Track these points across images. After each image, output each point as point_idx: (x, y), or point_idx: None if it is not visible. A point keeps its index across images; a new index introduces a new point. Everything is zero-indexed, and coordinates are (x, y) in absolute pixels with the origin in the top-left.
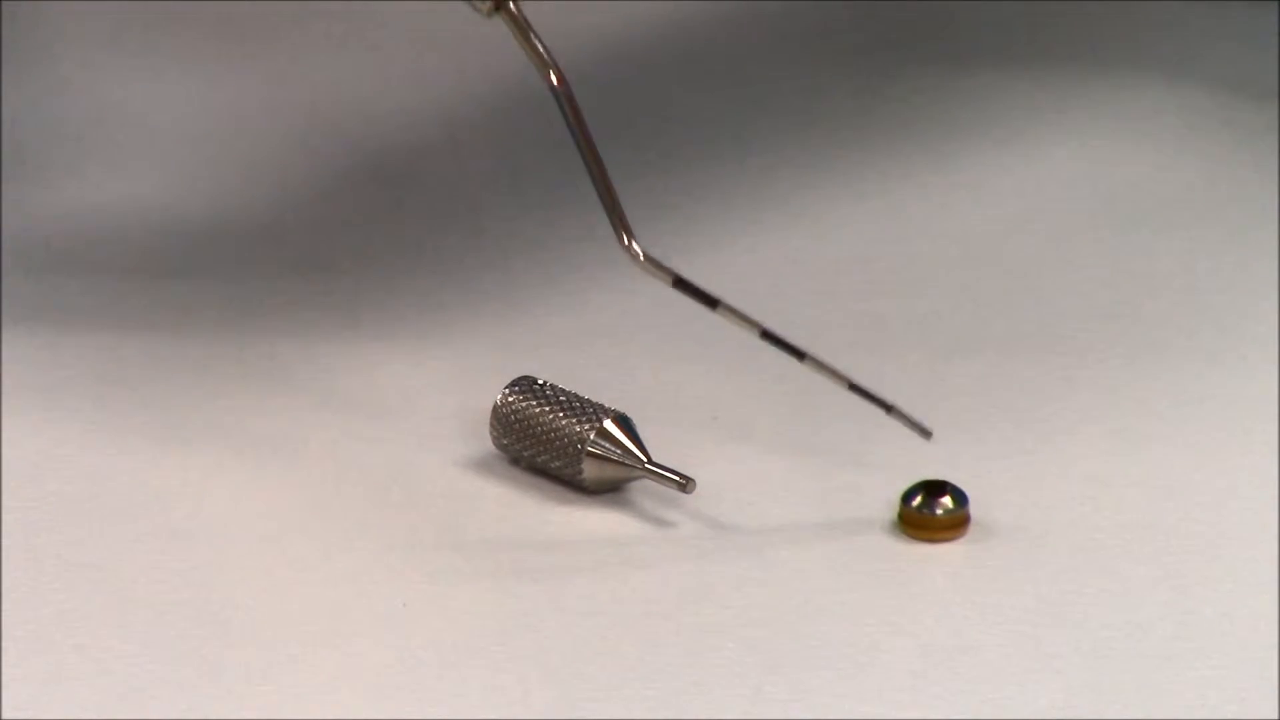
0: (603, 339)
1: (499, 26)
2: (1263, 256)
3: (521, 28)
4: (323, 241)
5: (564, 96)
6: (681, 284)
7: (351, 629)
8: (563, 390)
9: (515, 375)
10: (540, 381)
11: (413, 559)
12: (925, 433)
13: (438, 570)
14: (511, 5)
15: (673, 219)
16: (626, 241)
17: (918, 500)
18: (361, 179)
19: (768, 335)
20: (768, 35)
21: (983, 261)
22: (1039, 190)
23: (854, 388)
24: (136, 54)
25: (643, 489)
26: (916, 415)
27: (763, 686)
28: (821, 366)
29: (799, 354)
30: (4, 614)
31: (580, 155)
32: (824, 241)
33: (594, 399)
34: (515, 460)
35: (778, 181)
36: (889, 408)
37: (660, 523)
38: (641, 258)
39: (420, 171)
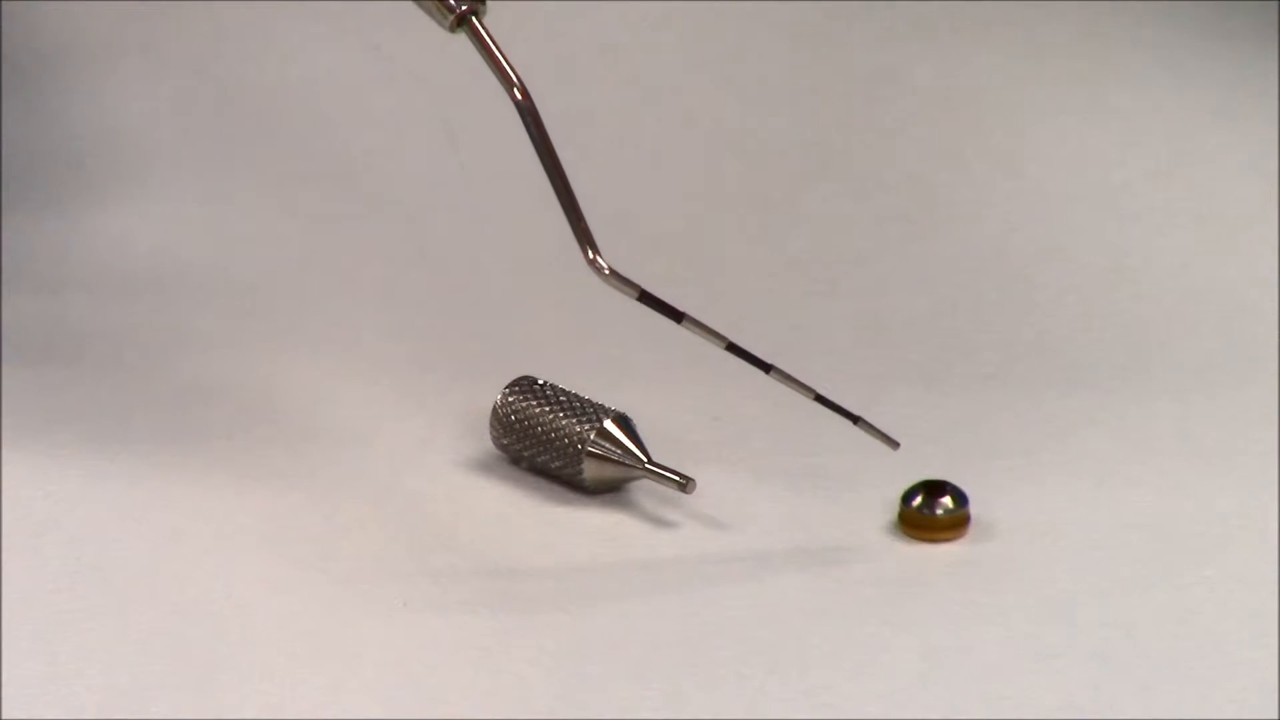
0: (603, 339)
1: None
2: (1263, 257)
3: (484, 43)
4: (321, 243)
5: (528, 111)
6: (647, 298)
7: (352, 628)
8: (563, 390)
9: (515, 375)
10: (540, 381)
11: (413, 558)
12: (893, 443)
13: (438, 570)
14: (475, 20)
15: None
16: (591, 256)
17: (918, 500)
18: (355, 182)
19: (733, 348)
20: (764, 34)
21: (983, 262)
22: (1039, 190)
23: (820, 399)
24: (134, 75)
25: (643, 489)
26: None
27: (763, 686)
28: (788, 379)
29: (765, 366)
30: (4, 614)
31: (545, 171)
32: (823, 242)
33: (594, 399)
34: (515, 460)
35: (775, 183)
36: (855, 419)
37: (660, 523)
38: (606, 271)
39: (419, 169)
